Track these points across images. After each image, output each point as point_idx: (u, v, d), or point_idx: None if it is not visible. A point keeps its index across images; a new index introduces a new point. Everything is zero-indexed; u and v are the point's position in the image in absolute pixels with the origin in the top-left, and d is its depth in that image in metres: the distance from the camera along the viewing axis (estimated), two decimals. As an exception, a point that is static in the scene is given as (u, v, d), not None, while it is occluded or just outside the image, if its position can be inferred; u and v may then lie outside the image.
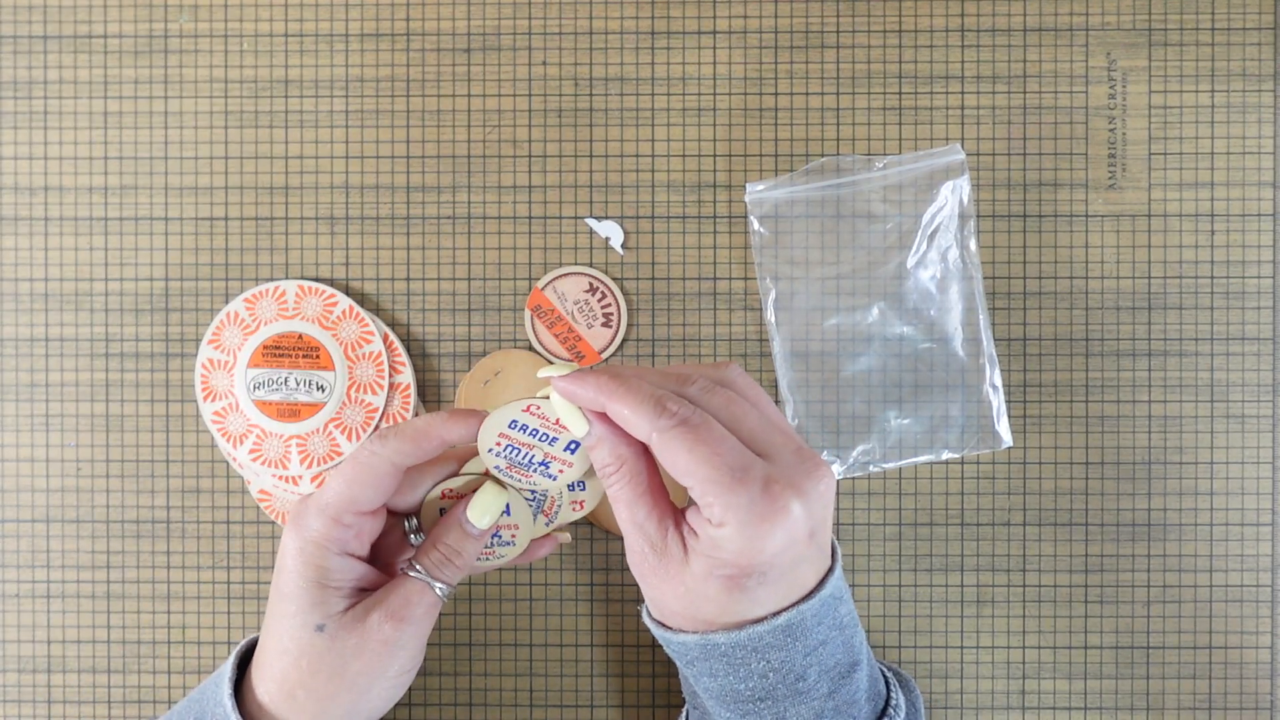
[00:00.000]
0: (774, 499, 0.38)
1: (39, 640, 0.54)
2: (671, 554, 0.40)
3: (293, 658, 0.42)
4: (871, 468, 0.53)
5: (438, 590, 0.43)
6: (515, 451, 0.43)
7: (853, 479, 0.53)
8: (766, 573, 0.39)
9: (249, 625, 0.54)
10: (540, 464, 0.43)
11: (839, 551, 0.42)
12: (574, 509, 0.45)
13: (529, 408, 0.42)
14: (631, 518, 0.41)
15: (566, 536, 0.47)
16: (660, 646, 0.53)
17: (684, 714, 0.48)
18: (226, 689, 0.43)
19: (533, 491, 0.45)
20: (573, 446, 0.42)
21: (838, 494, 0.53)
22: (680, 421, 0.39)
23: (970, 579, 0.54)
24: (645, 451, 0.41)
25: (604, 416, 0.41)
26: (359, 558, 0.43)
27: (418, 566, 0.43)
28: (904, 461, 0.53)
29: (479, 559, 0.45)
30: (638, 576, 0.42)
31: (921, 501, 0.53)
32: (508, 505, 0.44)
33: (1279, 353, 0.53)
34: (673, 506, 0.41)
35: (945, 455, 0.53)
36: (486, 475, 0.44)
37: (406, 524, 0.45)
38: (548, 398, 0.42)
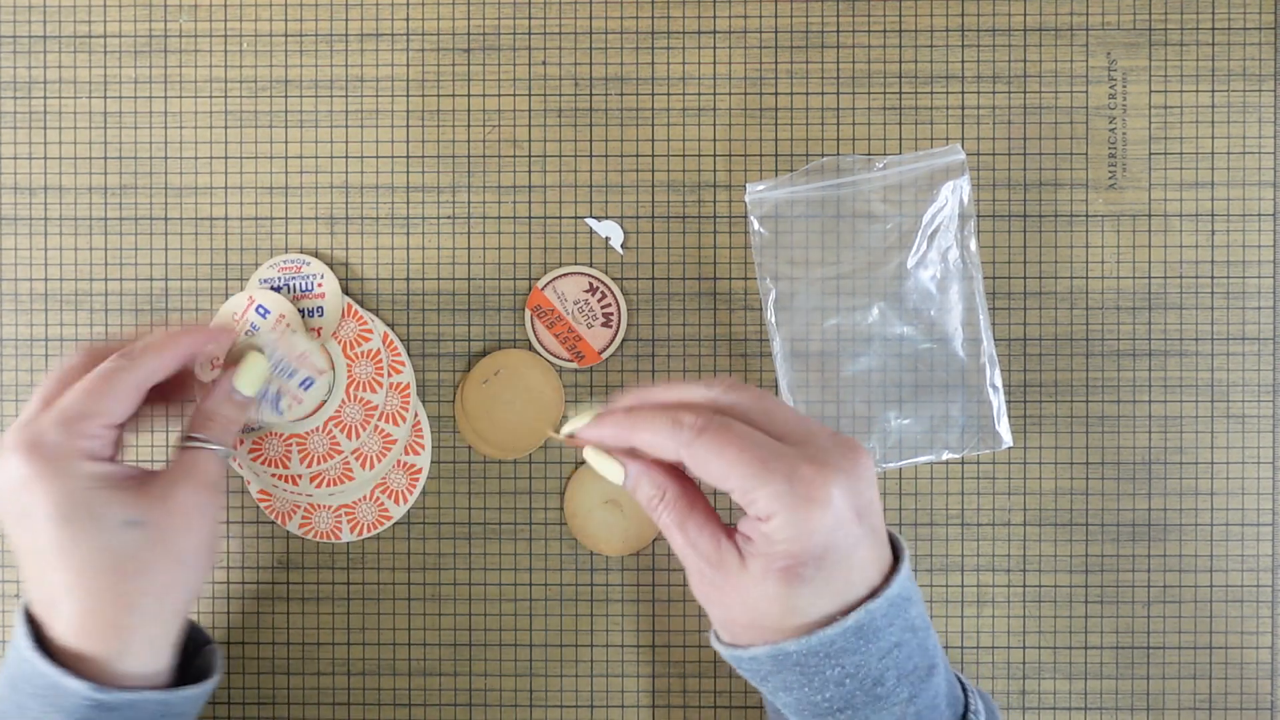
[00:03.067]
0: (810, 480, 0.38)
1: (39, 640, 0.54)
2: (728, 565, 0.40)
3: (102, 572, 0.41)
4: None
5: (221, 453, 0.46)
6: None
7: (853, 479, 0.53)
8: (823, 557, 0.39)
9: (248, 625, 0.54)
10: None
11: (905, 551, 0.42)
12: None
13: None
14: (685, 539, 0.41)
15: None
16: (661, 647, 0.53)
17: None
18: (25, 641, 0.41)
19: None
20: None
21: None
22: (699, 430, 0.40)
23: (970, 579, 0.54)
24: (682, 475, 0.42)
25: (632, 453, 0.42)
26: (105, 459, 0.43)
27: (200, 436, 0.45)
28: (904, 462, 0.53)
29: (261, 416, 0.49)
30: (702, 600, 0.42)
31: (921, 501, 0.53)
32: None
33: (1279, 353, 0.53)
34: (721, 522, 0.42)
35: (945, 455, 0.53)
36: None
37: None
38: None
